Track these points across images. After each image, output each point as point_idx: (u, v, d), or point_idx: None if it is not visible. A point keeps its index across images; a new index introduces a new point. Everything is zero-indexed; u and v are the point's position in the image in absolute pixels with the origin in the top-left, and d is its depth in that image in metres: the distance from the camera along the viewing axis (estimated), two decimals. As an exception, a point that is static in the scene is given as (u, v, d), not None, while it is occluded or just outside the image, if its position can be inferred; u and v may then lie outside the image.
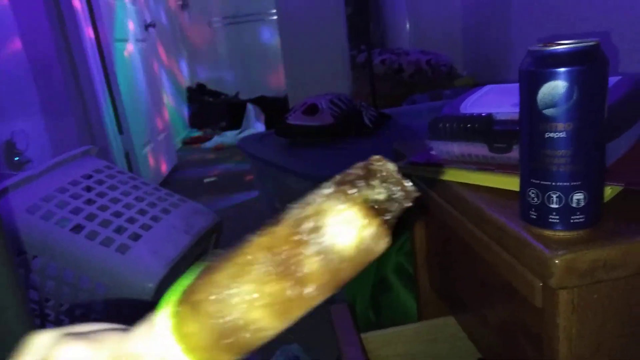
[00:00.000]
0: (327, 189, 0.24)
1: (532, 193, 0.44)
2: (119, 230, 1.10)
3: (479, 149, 0.60)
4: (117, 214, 1.14)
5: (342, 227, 0.23)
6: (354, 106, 1.84)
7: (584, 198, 0.42)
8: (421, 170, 0.68)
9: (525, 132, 0.43)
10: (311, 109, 1.62)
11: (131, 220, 1.14)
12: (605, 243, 0.41)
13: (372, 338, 0.88)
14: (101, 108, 2.11)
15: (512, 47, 1.59)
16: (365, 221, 0.23)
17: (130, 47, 2.46)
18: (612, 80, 0.58)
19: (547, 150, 0.41)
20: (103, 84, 2.14)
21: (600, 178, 0.43)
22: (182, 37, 4.18)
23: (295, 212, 0.24)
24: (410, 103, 2.24)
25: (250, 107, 3.79)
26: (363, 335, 0.87)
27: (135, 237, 1.10)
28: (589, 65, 0.39)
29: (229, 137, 3.58)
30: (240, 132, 3.61)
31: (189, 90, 4.25)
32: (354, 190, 0.23)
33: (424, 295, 0.94)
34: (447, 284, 0.83)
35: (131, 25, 2.54)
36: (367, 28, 2.52)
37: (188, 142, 3.82)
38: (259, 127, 3.66)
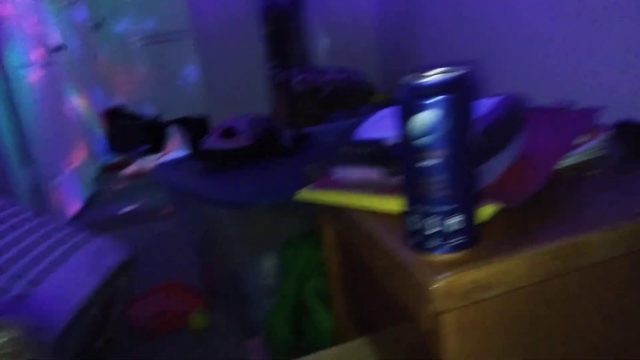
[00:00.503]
0: None
1: (414, 218, 0.45)
2: (16, 278, 1.01)
3: (375, 173, 0.61)
4: (15, 259, 1.05)
5: None
6: (273, 126, 1.84)
7: (461, 221, 0.43)
8: (323, 196, 0.68)
9: (403, 160, 0.44)
10: (229, 132, 1.59)
11: (33, 264, 1.06)
12: (480, 264, 0.43)
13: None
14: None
15: (423, 62, 1.67)
16: None
17: (35, 73, 2.32)
18: (490, 101, 0.62)
19: (423, 177, 0.43)
20: (2, 115, 1.99)
21: (474, 199, 0.44)
22: (95, 60, 4.00)
23: None
24: (329, 121, 2.28)
25: (171, 129, 3.68)
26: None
27: (36, 283, 1.01)
28: (457, 95, 0.41)
29: (150, 161, 3.45)
30: (161, 156, 3.49)
31: (107, 113, 4.07)
32: None
33: (339, 319, 0.94)
34: (360, 307, 0.83)
35: (35, 50, 2.39)
36: (284, 47, 2.54)
37: (107, 169, 3.64)
38: (183, 149, 3.56)
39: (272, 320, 1.24)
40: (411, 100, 0.41)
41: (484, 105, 0.61)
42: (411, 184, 0.44)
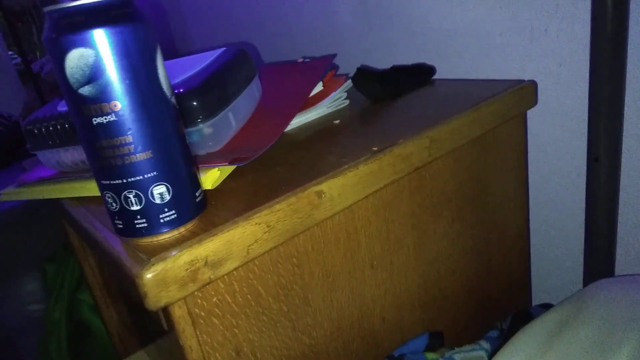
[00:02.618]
0: None
1: (109, 198, 0.34)
2: None
3: (81, 153, 0.49)
4: None
5: None
6: (17, 124, 1.52)
7: (168, 190, 0.34)
8: (29, 192, 0.52)
9: (76, 123, 0.33)
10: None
11: None
12: (203, 237, 0.34)
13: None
14: None
15: (191, 43, 1.55)
16: None
17: None
18: (214, 52, 0.54)
19: (103, 140, 0.32)
20: None
21: (185, 160, 0.35)
22: None
23: None
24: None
25: None
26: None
27: None
28: (120, 25, 0.31)
29: None
30: None
31: None
32: None
33: (115, 330, 0.79)
34: (132, 315, 0.70)
35: None
36: (22, 36, 2.13)
37: None
38: None
39: (46, 351, 1.02)
40: (58, 35, 0.30)
41: (205, 57, 0.53)
42: (92, 152, 0.33)
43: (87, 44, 0.30)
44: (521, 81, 0.59)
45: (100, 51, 0.30)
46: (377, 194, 0.46)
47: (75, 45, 0.30)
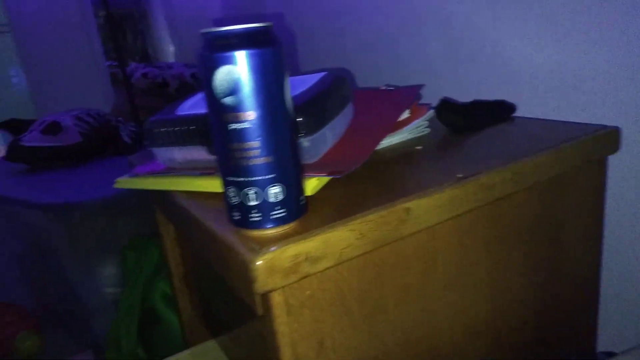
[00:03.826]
0: None
1: (232, 192, 0.40)
2: None
3: (199, 153, 0.55)
4: None
5: None
6: (107, 122, 1.66)
7: (282, 191, 0.39)
8: (142, 182, 0.60)
9: (214, 126, 0.39)
10: (52, 128, 1.39)
11: None
12: (306, 236, 0.39)
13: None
14: None
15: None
16: None
17: None
18: (315, 76, 0.59)
19: (236, 143, 0.38)
20: None
21: (297, 167, 0.41)
22: None
23: None
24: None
25: (-5, 133, 3.17)
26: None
27: None
28: (261, 48, 0.36)
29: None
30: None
31: None
32: None
33: (187, 320, 0.86)
34: (205, 305, 0.76)
35: None
36: (123, 43, 2.32)
37: None
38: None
39: (116, 334, 1.11)
40: (210, 53, 0.36)
41: (307, 79, 0.58)
42: (223, 151, 0.39)
43: (234, 62, 0.36)
44: (605, 126, 0.60)
45: (243, 69, 0.36)
46: (458, 219, 0.49)
47: (224, 62, 0.36)
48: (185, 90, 2.35)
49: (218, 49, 0.36)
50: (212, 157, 0.54)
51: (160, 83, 2.30)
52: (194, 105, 0.60)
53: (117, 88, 2.59)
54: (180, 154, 0.57)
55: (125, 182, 0.62)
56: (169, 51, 2.86)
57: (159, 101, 2.37)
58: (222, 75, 0.36)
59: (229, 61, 0.36)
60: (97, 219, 1.10)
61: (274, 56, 0.37)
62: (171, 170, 0.59)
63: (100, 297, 1.17)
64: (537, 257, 0.58)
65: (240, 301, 0.54)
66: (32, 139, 1.36)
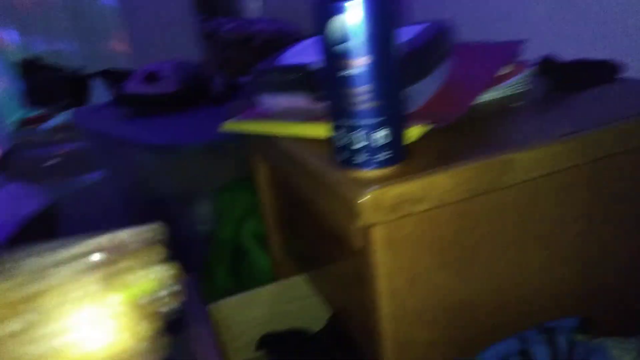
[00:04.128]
0: (78, 262, 0.16)
1: (340, 134, 0.43)
2: None
3: (303, 100, 0.59)
4: None
5: (95, 328, 0.14)
6: (201, 73, 1.75)
7: (388, 135, 0.42)
8: (249, 126, 0.65)
9: (326, 71, 0.42)
10: (152, 76, 1.50)
11: None
12: (408, 178, 0.42)
13: (225, 305, 0.85)
14: None
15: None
16: (136, 329, 0.15)
17: None
18: (418, 26, 0.60)
19: (347, 88, 0.40)
20: None
21: (402, 114, 0.43)
22: (9, 4, 3.60)
23: (23, 278, 0.15)
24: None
25: (94, 81, 3.44)
26: (213, 305, 0.84)
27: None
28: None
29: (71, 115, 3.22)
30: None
31: (24, 64, 3.70)
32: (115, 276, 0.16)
33: (277, 256, 0.93)
34: (296, 242, 0.82)
35: None
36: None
37: (25, 123, 3.35)
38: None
39: (210, 267, 1.22)
40: (324, 2, 0.38)
41: (411, 30, 0.59)
42: (335, 96, 0.42)
43: (348, 10, 0.38)
44: None
45: (357, 17, 0.38)
46: (557, 175, 0.49)
47: (338, 11, 0.38)
48: (270, 45, 2.40)
49: (336, -1, 0.38)
50: (315, 105, 0.58)
51: (245, 37, 2.36)
52: (297, 53, 0.63)
53: (203, 42, 2.69)
54: (285, 101, 0.61)
55: (232, 126, 0.67)
56: (254, 6, 2.90)
57: (243, 55, 2.44)
58: (336, 23, 0.39)
59: (342, 10, 0.38)
60: (198, 160, 1.19)
61: (387, 4, 0.39)
62: (275, 116, 0.64)
63: (194, 234, 1.28)
64: (635, 224, 0.57)
65: (332, 239, 0.59)
66: (134, 87, 1.48)
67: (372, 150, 0.42)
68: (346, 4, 0.38)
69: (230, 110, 0.85)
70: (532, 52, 0.90)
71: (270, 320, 0.89)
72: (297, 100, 0.59)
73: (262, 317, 0.88)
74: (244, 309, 0.87)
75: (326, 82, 0.42)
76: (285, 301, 0.89)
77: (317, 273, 0.73)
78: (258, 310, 0.88)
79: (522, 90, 0.66)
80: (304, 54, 0.62)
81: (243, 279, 1.16)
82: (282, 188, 0.81)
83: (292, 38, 2.42)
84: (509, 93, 0.65)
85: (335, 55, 0.40)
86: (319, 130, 0.55)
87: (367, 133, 0.41)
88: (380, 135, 0.42)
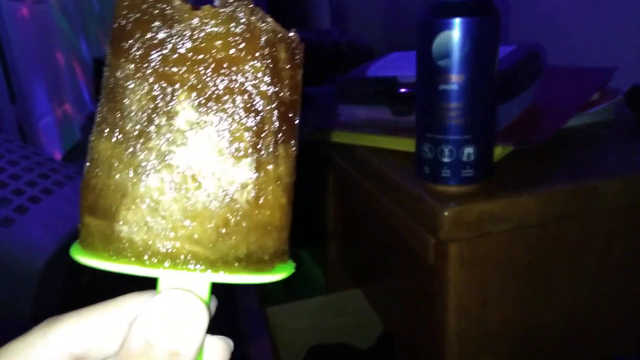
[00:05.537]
0: None
1: (426, 148, 0.43)
2: (3, 202, 0.99)
3: (382, 113, 0.60)
4: (1, 185, 1.02)
5: None
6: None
7: (474, 152, 0.42)
8: (326, 134, 0.66)
9: (421, 85, 0.42)
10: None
11: (18, 192, 1.03)
12: (492, 197, 0.41)
13: (279, 311, 0.86)
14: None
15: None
16: None
17: (26, 8, 2.23)
18: (508, 48, 0.60)
19: (441, 102, 0.41)
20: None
21: (491, 133, 0.43)
22: (90, 3, 3.86)
23: None
24: (331, 83, 2.24)
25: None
26: (269, 309, 0.85)
27: (22, 210, 0.99)
28: (481, 17, 0.39)
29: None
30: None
31: (96, 62, 3.94)
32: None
33: (332, 267, 0.93)
34: (353, 255, 0.83)
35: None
36: (284, 8, 2.46)
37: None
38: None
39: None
40: (432, 19, 0.39)
41: (503, 50, 0.59)
42: (427, 110, 0.42)
43: (453, 28, 0.39)
44: None
45: (460, 35, 0.39)
46: (644, 208, 0.47)
47: (444, 28, 0.39)
48: (340, 57, 2.44)
49: (440, 15, 0.39)
50: (393, 118, 0.58)
51: (316, 48, 2.41)
52: (383, 67, 0.64)
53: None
54: (365, 112, 0.62)
55: (311, 135, 0.69)
56: (325, 17, 2.95)
57: (313, 65, 2.49)
58: (441, 40, 0.39)
59: (449, 27, 0.39)
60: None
61: (491, 25, 0.39)
62: (353, 127, 0.65)
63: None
64: None
65: (398, 253, 0.59)
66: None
67: (457, 165, 0.42)
68: (453, 21, 0.38)
69: (307, 118, 0.87)
70: (620, 81, 0.88)
71: (318, 331, 0.89)
72: (378, 113, 0.60)
73: (313, 327, 0.89)
74: (296, 318, 0.88)
75: (421, 96, 0.43)
76: (335, 314, 0.89)
77: (374, 288, 0.73)
78: (309, 320, 0.89)
79: (608, 118, 0.64)
80: (388, 68, 0.63)
81: (292, 287, 1.17)
82: (345, 199, 0.82)
83: (363, 50, 2.45)
84: (594, 120, 0.64)
85: (436, 69, 0.40)
86: (399, 144, 0.55)
87: (454, 148, 0.41)
88: (467, 152, 0.42)
